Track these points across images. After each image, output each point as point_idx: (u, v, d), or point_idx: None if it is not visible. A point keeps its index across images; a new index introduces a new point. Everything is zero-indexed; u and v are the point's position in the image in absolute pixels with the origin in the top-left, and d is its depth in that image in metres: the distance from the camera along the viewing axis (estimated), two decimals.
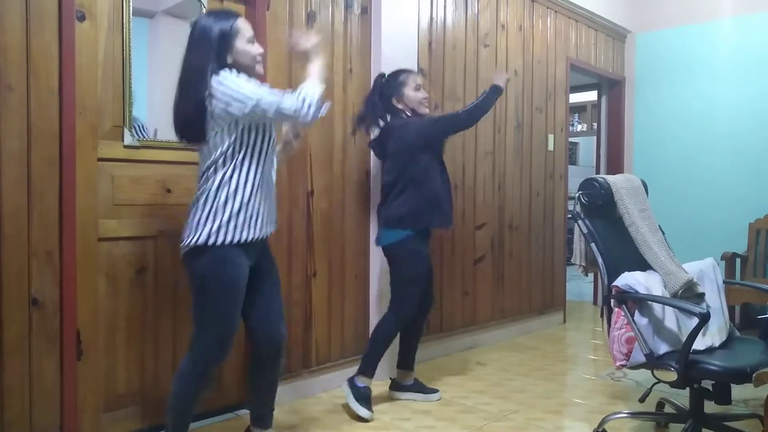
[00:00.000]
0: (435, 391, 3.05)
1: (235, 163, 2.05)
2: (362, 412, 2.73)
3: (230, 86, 1.97)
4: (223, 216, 2.04)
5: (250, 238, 2.09)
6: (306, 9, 3.03)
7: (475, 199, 4.05)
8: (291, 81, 2.94)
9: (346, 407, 2.82)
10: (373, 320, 3.31)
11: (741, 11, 4.91)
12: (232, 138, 2.03)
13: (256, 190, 2.09)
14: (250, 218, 2.09)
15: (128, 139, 2.42)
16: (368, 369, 2.86)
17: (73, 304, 2.25)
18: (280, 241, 2.90)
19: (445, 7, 3.80)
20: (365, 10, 3.30)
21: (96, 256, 2.34)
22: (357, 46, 3.27)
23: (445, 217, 2.88)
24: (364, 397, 2.79)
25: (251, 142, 2.06)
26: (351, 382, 2.84)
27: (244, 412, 2.76)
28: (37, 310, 2.18)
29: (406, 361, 3.06)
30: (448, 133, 2.93)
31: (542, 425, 2.71)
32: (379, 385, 3.13)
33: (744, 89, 4.88)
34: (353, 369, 2.98)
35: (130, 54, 2.40)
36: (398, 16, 3.36)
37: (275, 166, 2.23)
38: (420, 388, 3.04)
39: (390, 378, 3.11)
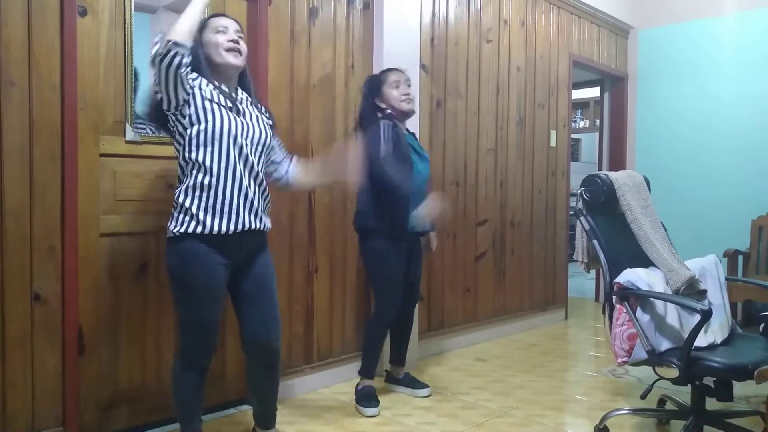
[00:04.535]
0: (425, 386, 3.04)
1: (192, 152, 1.98)
2: (366, 411, 2.77)
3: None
4: (184, 207, 1.97)
5: (218, 230, 1.97)
6: (308, 4, 3.02)
7: (477, 196, 4.04)
8: (293, 76, 2.95)
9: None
10: None
11: (745, 7, 4.89)
12: (181, 125, 1.98)
13: (221, 180, 1.97)
14: (218, 209, 1.96)
15: (130, 135, 2.42)
16: (364, 370, 2.91)
17: (75, 299, 2.26)
18: (282, 237, 2.90)
19: (447, 2, 3.79)
20: (367, 6, 3.29)
21: (98, 252, 2.34)
22: (359, 42, 3.26)
23: None
24: (365, 396, 2.82)
25: (200, 127, 1.96)
26: (355, 387, 2.90)
27: (246, 408, 2.77)
28: (39, 305, 2.18)
29: (396, 357, 3.10)
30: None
31: (543, 422, 2.71)
32: (379, 379, 3.15)
33: (747, 86, 4.86)
34: (355, 364, 3.01)
35: (131, 49, 2.40)
36: (400, 12, 3.35)
37: (255, 157, 2.07)
38: (410, 382, 3.06)
39: (385, 370, 3.13)
